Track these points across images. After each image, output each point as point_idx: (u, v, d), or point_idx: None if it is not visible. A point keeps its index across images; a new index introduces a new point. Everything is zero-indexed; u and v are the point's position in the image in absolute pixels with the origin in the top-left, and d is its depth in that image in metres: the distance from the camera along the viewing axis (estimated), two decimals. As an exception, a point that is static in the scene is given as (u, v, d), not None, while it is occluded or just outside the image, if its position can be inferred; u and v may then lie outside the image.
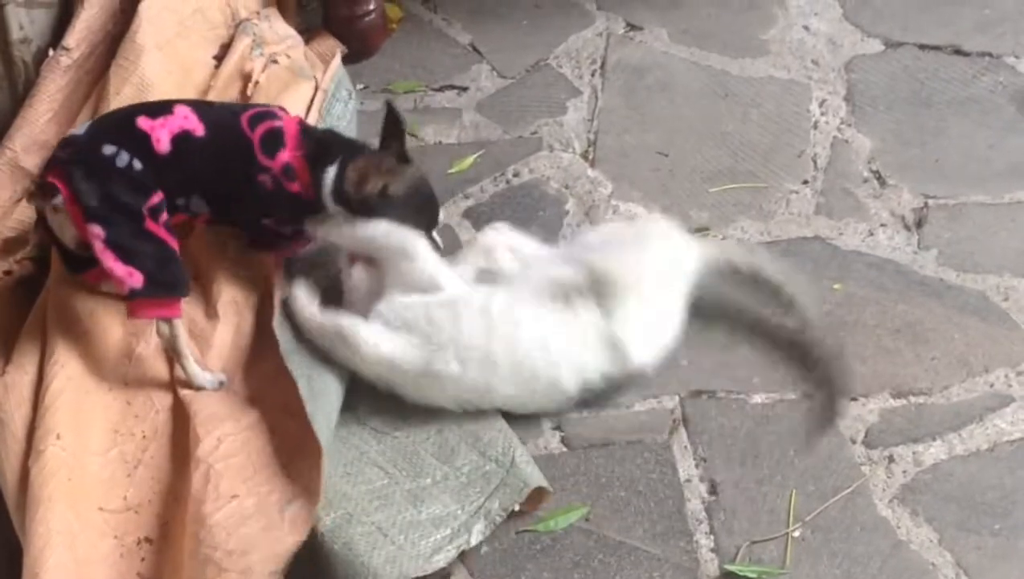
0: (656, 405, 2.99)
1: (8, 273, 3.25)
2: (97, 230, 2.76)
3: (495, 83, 4.02)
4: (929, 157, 3.65)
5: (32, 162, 3.38)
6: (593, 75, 4.01)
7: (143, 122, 2.83)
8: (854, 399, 2.98)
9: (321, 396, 2.78)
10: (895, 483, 2.82)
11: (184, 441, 2.82)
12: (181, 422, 2.87)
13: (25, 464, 2.78)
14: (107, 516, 2.75)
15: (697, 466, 2.87)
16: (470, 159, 3.63)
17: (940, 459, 2.86)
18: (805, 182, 3.58)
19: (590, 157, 3.69)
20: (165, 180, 2.82)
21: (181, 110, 2.88)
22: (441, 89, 4.01)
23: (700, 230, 3.42)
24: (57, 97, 3.44)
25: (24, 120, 3.42)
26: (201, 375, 2.89)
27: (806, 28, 4.14)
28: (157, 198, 2.80)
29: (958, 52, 4.01)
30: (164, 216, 2.82)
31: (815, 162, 3.65)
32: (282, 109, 2.99)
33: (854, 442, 2.90)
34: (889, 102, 3.85)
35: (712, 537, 2.73)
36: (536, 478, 2.77)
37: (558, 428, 2.94)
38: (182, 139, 2.83)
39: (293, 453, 2.73)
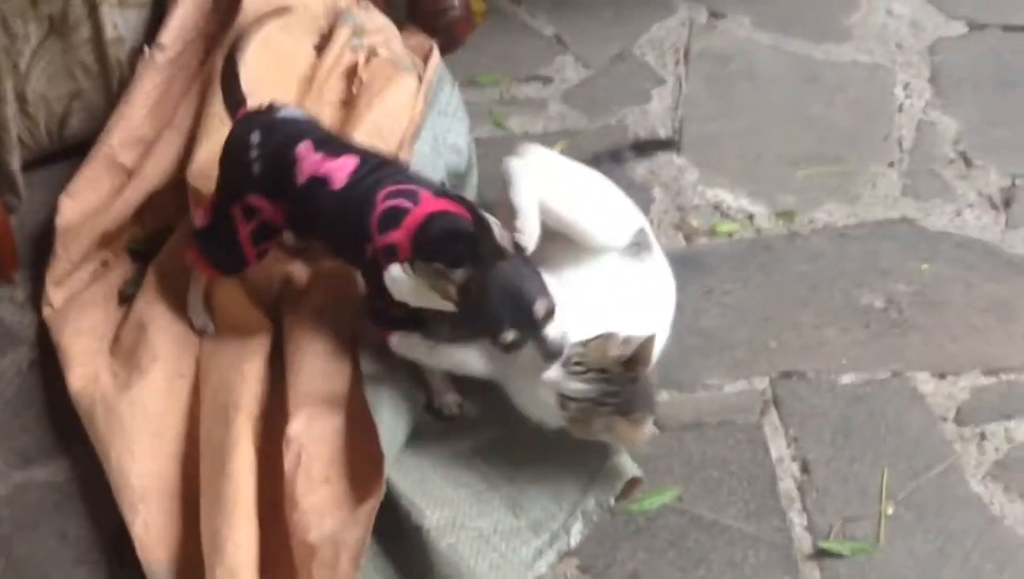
0: (747, 386, 3.01)
1: (105, 264, 3.32)
2: (219, 174, 2.96)
3: (579, 73, 4.05)
4: (1015, 137, 3.64)
5: (129, 158, 3.45)
6: (677, 64, 4.03)
7: (302, 149, 2.82)
8: (943, 377, 2.99)
9: (389, 418, 2.80)
10: (987, 460, 2.82)
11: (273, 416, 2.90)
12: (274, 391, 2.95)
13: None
14: None
15: (788, 446, 2.88)
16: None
17: (1033, 436, 2.87)
18: (891, 164, 3.59)
19: (676, 144, 3.71)
20: (290, 209, 2.86)
21: (345, 160, 2.81)
22: (526, 80, 4.04)
23: (786, 214, 3.44)
24: (153, 94, 3.51)
25: (121, 116, 3.49)
26: (197, 310, 3.10)
27: (889, 12, 4.15)
28: (260, 202, 2.86)
29: (1043, 33, 4.01)
30: (256, 222, 2.91)
31: (900, 144, 3.65)
32: (429, 193, 2.74)
33: (945, 420, 2.91)
34: (973, 84, 3.85)
35: (805, 515, 2.75)
36: (629, 468, 2.79)
37: (650, 410, 2.97)
38: (317, 183, 2.79)
39: (364, 453, 2.77)
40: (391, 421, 2.77)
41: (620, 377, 2.56)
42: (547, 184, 2.81)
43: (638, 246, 2.91)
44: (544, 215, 2.73)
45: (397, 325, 2.80)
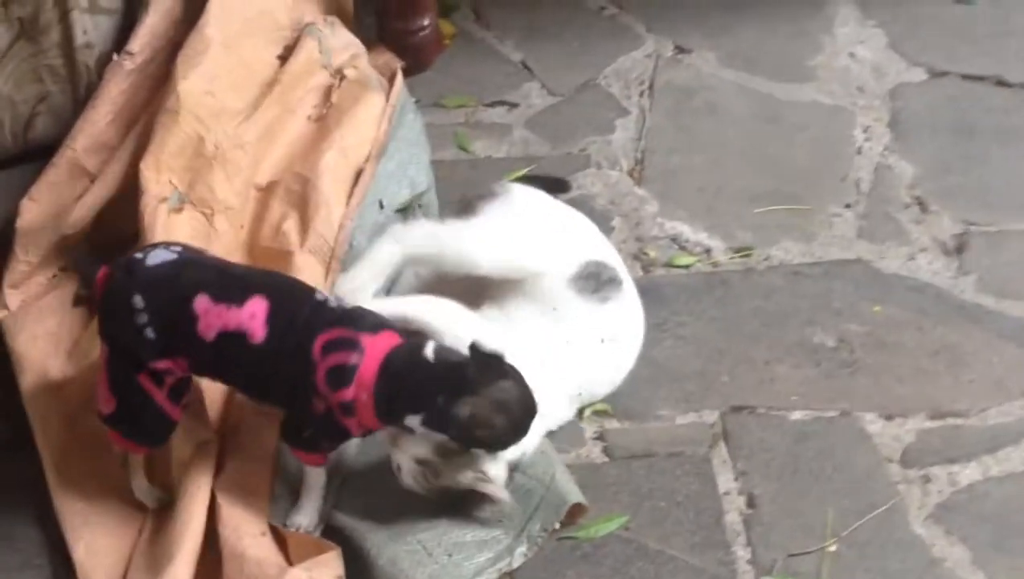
0: (697, 419, 3.04)
1: (64, 269, 3.31)
2: (104, 347, 2.68)
3: (545, 100, 4.08)
4: (971, 185, 3.69)
5: (93, 163, 3.43)
6: (641, 95, 4.06)
7: (200, 303, 2.57)
8: (890, 418, 3.02)
9: None
10: (930, 502, 2.85)
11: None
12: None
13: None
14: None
15: (736, 479, 2.91)
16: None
17: (975, 480, 2.90)
18: (848, 206, 3.63)
19: (637, 176, 3.74)
20: (201, 362, 2.64)
21: (253, 305, 2.58)
22: (492, 105, 4.06)
23: (743, 250, 3.47)
24: (119, 100, 3.49)
25: (86, 121, 3.47)
26: (144, 491, 2.82)
27: (852, 55, 4.19)
28: (165, 365, 2.62)
29: (1001, 83, 4.05)
30: (169, 382, 2.65)
31: (858, 186, 3.69)
32: (371, 338, 2.60)
33: (891, 461, 2.94)
34: (932, 130, 3.90)
35: (749, 549, 2.77)
36: (574, 494, 2.80)
37: (600, 438, 3.00)
38: (232, 337, 2.57)
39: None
40: None
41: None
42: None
43: (596, 282, 2.94)
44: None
45: (326, 449, 2.73)
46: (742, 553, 2.76)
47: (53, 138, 3.57)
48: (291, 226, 3.20)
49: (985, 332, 3.23)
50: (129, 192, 3.25)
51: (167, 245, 2.74)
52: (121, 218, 3.25)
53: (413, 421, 2.57)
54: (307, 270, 3.07)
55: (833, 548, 2.75)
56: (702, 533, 2.80)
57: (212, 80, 3.26)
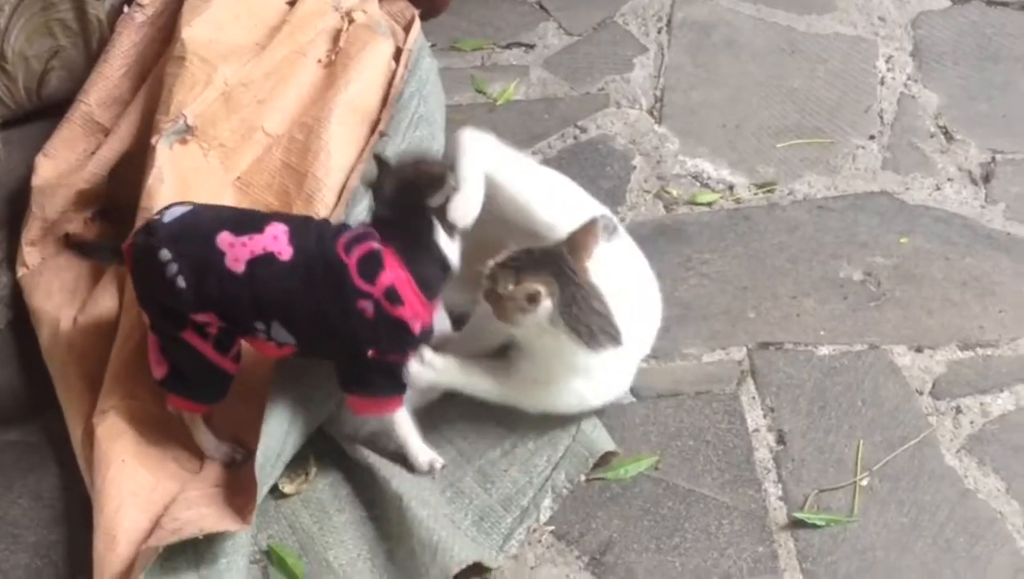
0: (724, 356, 3.02)
1: (68, 237, 3.30)
2: (146, 315, 2.71)
3: (562, 40, 4.05)
4: (996, 112, 3.65)
5: (107, 117, 3.43)
6: (659, 32, 4.03)
7: (223, 239, 2.60)
8: (919, 351, 3.00)
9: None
10: (962, 433, 2.83)
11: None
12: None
13: (91, 422, 2.83)
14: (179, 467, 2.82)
15: (765, 416, 2.89)
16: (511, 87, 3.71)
17: (1007, 410, 2.87)
18: (872, 137, 3.59)
19: (657, 113, 3.71)
20: (237, 301, 2.62)
21: (273, 229, 2.64)
22: (508, 47, 4.04)
23: (766, 185, 3.44)
24: (131, 53, 3.49)
25: (99, 75, 3.47)
26: (211, 445, 2.82)
27: (873, -16, 4.15)
28: (204, 317, 2.63)
29: (1025, 7, 4.01)
30: (213, 334, 2.65)
31: (882, 117, 3.65)
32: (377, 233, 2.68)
33: (921, 393, 2.91)
34: (956, 58, 3.85)
35: (780, 486, 2.75)
36: (603, 442, 2.80)
37: (627, 378, 2.98)
38: (262, 262, 2.60)
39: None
40: (277, 429, 2.73)
41: (537, 252, 2.61)
42: (498, 160, 2.82)
43: (607, 230, 2.90)
44: (493, 192, 2.74)
45: (397, 388, 2.73)
46: (773, 490, 2.75)
47: (66, 93, 3.57)
48: (288, 176, 3.20)
49: (1014, 261, 3.20)
50: (142, 146, 3.23)
51: (180, 203, 2.74)
52: (135, 173, 3.23)
53: (441, 238, 2.65)
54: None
55: (865, 482, 2.74)
56: (732, 471, 2.79)
57: (218, 27, 3.25)
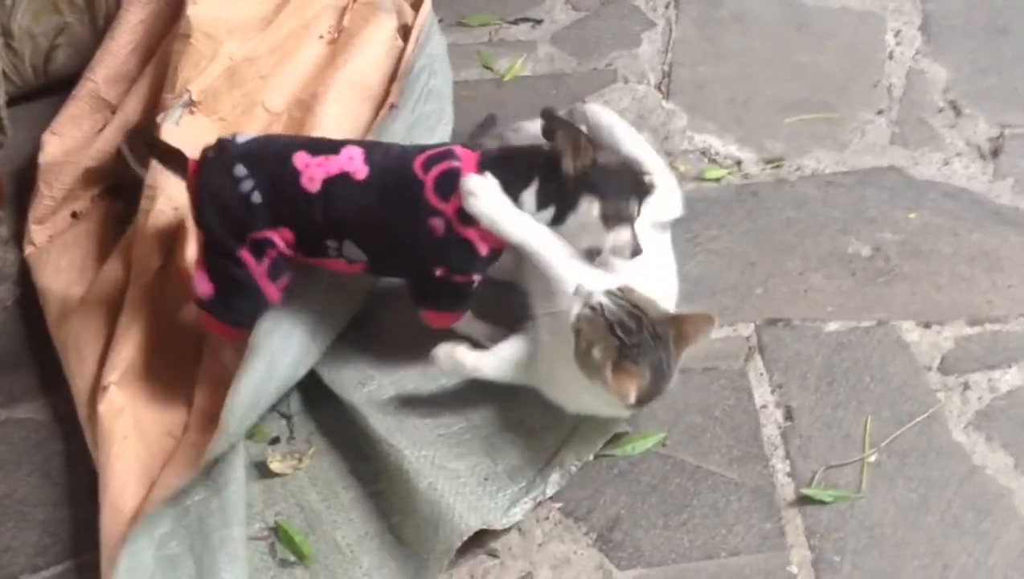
0: (732, 333, 3.01)
1: (76, 216, 3.30)
2: (201, 234, 2.74)
3: (569, 15, 4.03)
4: (1006, 86, 3.63)
5: (113, 94, 3.43)
6: (667, 7, 4.01)
7: (299, 159, 2.68)
8: (927, 326, 2.99)
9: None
10: (970, 409, 2.82)
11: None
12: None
13: (95, 398, 2.84)
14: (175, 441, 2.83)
15: (773, 392, 2.89)
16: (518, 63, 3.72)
17: (1016, 386, 2.86)
18: (880, 112, 3.57)
19: (664, 89, 3.70)
20: (310, 219, 2.68)
21: (348, 151, 2.71)
22: (515, 22, 4.02)
23: (774, 161, 3.43)
24: (138, 29, 3.49)
25: (106, 52, 3.47)
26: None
27: (881, -42, 4.12)
28: (268, 235, 2.69)
29: (1035, -21, 3.98)
30: (269, 258, 2.71)
31: (890, 92, 3.64)
32: (462, 148, 2.74)
33: (929, 369, 2.91)
34: (965, 32, 3.83)
35: (788, 462, 2.75)
36: (611, 423, 2.80)
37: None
38: (337, 181, 2.67)
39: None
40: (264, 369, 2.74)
41: (648, 328, 2.53)
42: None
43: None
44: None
45: (462, 302, 2.80)
46: (781, 466, 2.75)
47: (74, 70, 3.57)
48: None
49: (1022, 236, 3.18)
50: (150, 124, 3.23)
51: (235, 136, 2.79)
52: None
53: (528, 196, 2.66)
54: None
55: (873, 458, 2.74)
56: (740, 447, 2.79)
57: (224, 3, 3.24)
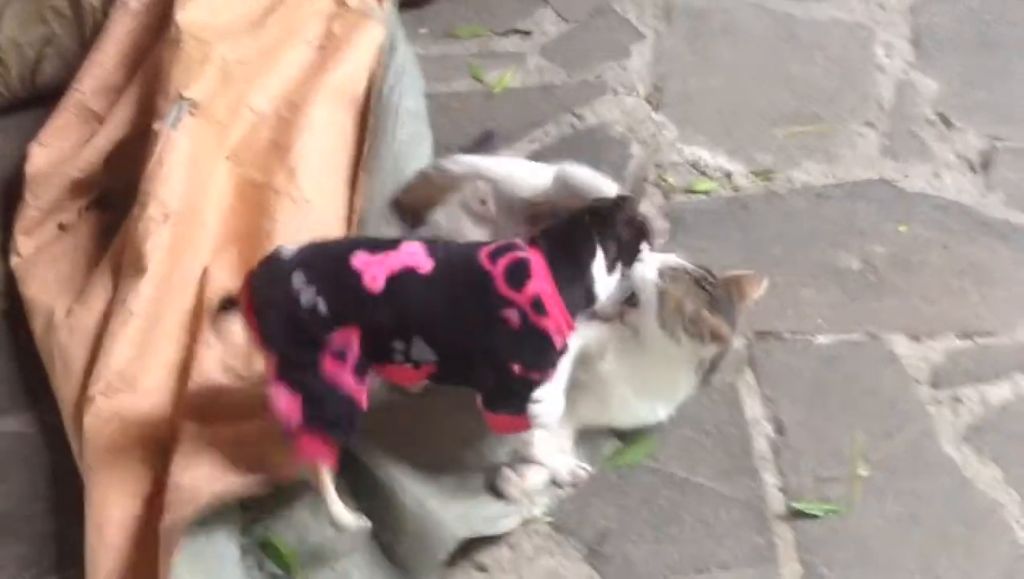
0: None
1: (63, 227, 3.29)
2: (272, 357, 2.55)
3: (559, 27, 4.02)
4: (996, 99, 3.63)
5: (101, 104, 3.42)
6: (657, 19, 4.00)
7: (359, 259, 2.52)
8: (918, 340, 2.98)
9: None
10: (961, 423, 2.83)
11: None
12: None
13: (80, 409, 2.81)
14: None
15: (763, 406, 2.88)
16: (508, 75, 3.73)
17: (1007, 399, 2.87)
18: (870, 124, 3.57)
19: (654, 101, 3.69)
20: (375, 320, 2.52)
21: (408, 247, 2.57)
22: (505, 34, 4.01)
23: (764, 173, 3.43)
24: (125, 41, 3.48)
25: (93, 63, 3.46)
26: (343, 516, 2.60)
27: (870, -30, 4.13)
28: (343, 340, 2.51)
29: (1025, -6, 3.99)
30: (352, 358, 2.52)
31: (880, 104, 3.64)
32: (527, 242, 2.60)
33: (920, 382, 2.91)
34: (955, 45, 3.84)
35: (779, 476, 2.75)
36: (600, 439, 2.80)
37: (625, 368, 2.97)
38: (402, 277, 2.52)
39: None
40: None
41: (719, 285, 2.63)
42: None
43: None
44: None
45: (526, 402, 2.61)
46: (771, 480, 2.74)
47: (61, 81, 3.57)
48: (273, 152, 3.21)
49: (1013, 249, 3.19)
50: (138, 134, 3.22)
51: (282, 247, 2.62)
52: (130, 161, 3.22)
53: (598, 268, 2.57)
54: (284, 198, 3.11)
55: (863, 472, 2.73)
56: (730, 461, 2.78)
57: (212, 10, 3.26)
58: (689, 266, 2.63)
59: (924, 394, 2.88)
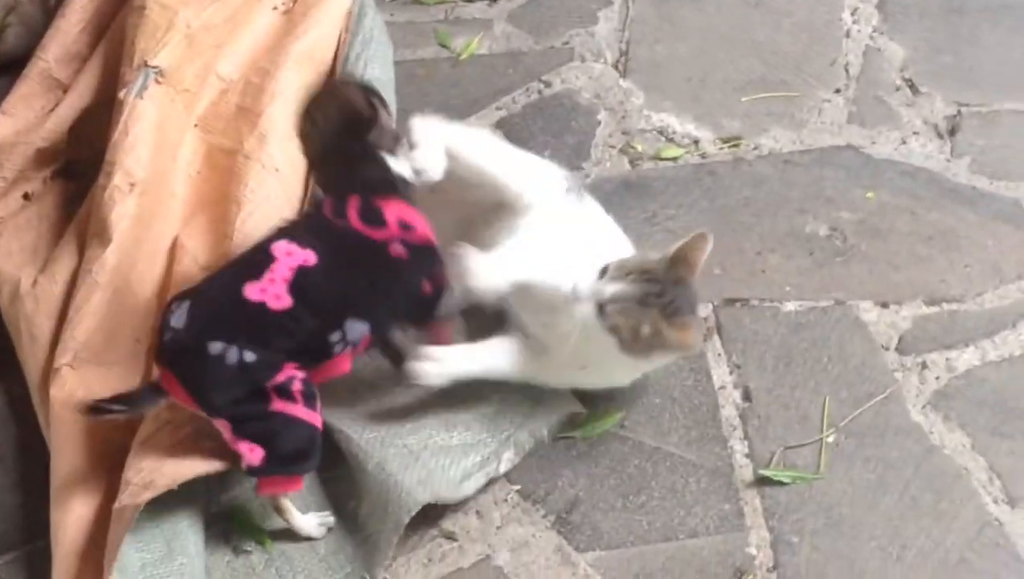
0: (690, 313, 3.00)
1: (28, 197, 3.26)
2: (222, 422, 2.50)
3: (526, -7, 4.01)
4: (962, 65, 3.63)
5: (65, 73, 3.39)
6: (624, -15, 3.99)
7: (250, 290, 2.48)
8: (885, 306, 2.99)
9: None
10: (928, 389, 2.83)
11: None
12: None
13: (47, 381, 2.80)
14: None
15: (731, 373, 2.88)
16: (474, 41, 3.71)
17: (973, 365, 2.87)
18: (837, 91, 3.57)
19: (621, 67, 3.68)
20: (305, 330, 2.50)
21: (279, 250, 2.53)
22: (472, 0, 3.99)
23: (732, 140, 3.42)
24: (89, 8, 3.45)
25: (57, 31, 3.43)
26: (310, 528, 2.65)
27: (838, -65, 4.11)
28: (284, 375, 2.49)
29: (991, -41, 3.99)
30: (298, 387, 2.51)
31: (847, 71, 3.63)
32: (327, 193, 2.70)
33: (887, 349, 2.91)
34: (922, 10, 3.83)
35: (746, 443, 2.75)
36: (567, 404, 2.79)
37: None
38: (298, 280, 2.50)
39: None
40: None
41: (665, 278, 2.51)
42: (453, 133, 2.78)
43: (575, 191, 2.86)
44: (455, 161, 2.71)
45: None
46: (739, 447, 2.75)
47: (24, 50, 3.53)
48: (242, 118, 3.17)
49: (980, 215, 3.19)
50: (103, 103, 3.20)
51: (167, 307, 2.56)
52: (96, 130, 3.20)
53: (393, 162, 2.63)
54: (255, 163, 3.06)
55: (831, 438, 2.74)
56: (698, 428, 2.79)
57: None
58: (628, 288, 2.50)
59: (891, 360, 2.89)
